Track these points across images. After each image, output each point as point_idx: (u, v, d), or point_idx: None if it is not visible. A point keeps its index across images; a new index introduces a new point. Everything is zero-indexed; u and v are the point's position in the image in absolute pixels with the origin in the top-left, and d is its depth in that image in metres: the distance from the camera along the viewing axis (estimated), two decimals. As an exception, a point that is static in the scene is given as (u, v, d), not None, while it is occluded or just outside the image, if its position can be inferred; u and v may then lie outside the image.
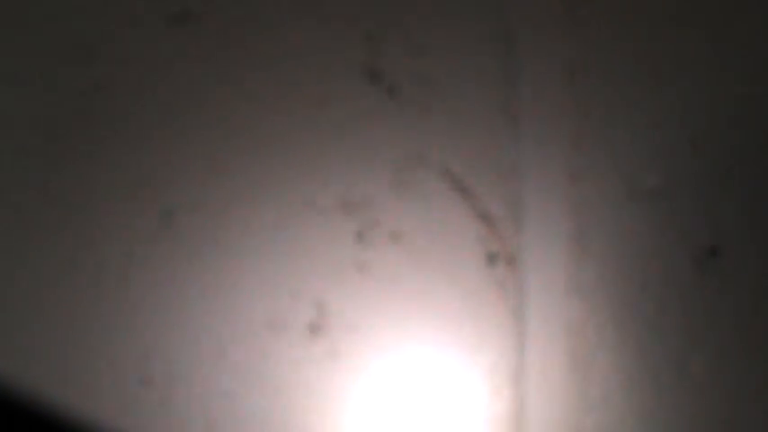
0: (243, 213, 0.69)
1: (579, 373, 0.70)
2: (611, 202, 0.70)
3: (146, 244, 0.68)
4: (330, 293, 0.69)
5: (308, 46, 0.71)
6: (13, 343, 0.67)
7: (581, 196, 0.70)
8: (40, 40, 0.69)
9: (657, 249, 0.70)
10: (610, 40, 0.70)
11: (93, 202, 0.68)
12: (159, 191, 0.69)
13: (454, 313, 0.70)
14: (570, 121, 0.70)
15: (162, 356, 0.68)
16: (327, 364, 0.69)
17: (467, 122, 0.70)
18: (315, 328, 0.69)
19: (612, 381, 0.70)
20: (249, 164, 0.70)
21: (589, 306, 0.70)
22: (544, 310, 0.70)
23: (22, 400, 0.66)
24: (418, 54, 0.71)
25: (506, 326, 0.70)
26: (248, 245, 0.69)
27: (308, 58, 0.71)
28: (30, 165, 0.68)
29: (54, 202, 0.68)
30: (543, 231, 0.70)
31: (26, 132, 0.68)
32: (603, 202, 0.70)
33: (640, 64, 0.70)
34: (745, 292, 0.69)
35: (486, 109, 0.70)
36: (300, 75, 0.70)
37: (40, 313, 0.67)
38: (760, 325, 0.69)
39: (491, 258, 0.70)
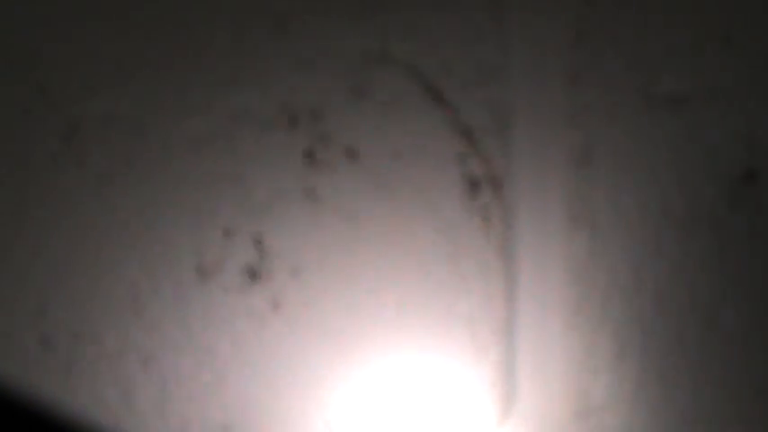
0: (162, 127, 0.61)
1: (584, 327, 0.64)
2: (621, 112, 0.64)
3: (43, 169, 0.61)
4: (271, 228, 0.62)
5: None
6: None
7: (583, 104, 0.63)
8: None
9: (680, 173, 0.64)
10: None
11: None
12: (59, 101, 0.62)
13: (427, 252, 0.63)
14: (570, 6, 0.63)
15: (64, 311, 0.61)
16: (268, 316, 0.62)
17: (440, 9, 0.63)
18: (253, 273, 0.62)
19: (626, 336, 0.64)
20: (168, 66, 0.62)
21: (596, 243, 0.63)
22: (538, 247, 0.63)
23: None
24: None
25: (491, 267, 0.63)
26: (170, 168, 0.62)
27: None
28: None
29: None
30: (536, 148, 0.63)
31: None
32: (611, 111, 0.64)
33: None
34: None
35: (466, -5, 0.65)
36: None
37: None
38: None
39: (472, 183, 0.63)
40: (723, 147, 0.64)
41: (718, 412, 0.64)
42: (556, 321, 0.63)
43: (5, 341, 0.61)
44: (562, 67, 0.63)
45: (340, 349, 0.62)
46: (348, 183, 0.62)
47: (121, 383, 0.61)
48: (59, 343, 0.61)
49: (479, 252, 0.63)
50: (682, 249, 0.64)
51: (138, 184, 0.61)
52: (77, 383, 0.61)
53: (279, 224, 0.62)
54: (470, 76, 0.62)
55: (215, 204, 0.61)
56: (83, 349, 0.61)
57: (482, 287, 0.63)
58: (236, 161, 0.61)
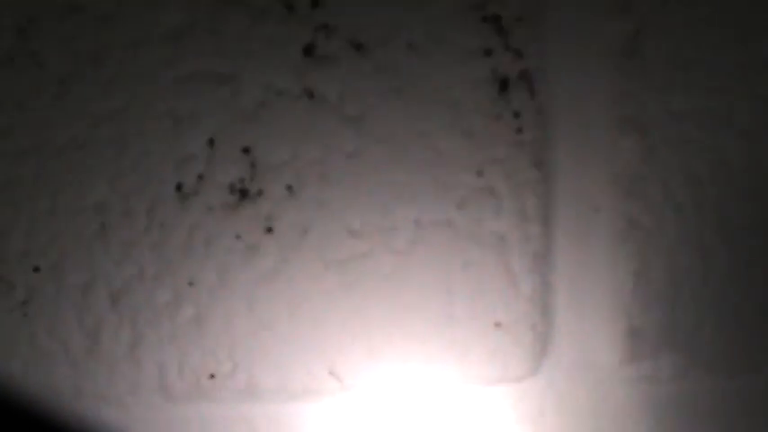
0: (133, 18, 0.55)
1: (633, 252, 0.57)
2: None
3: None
4: (263, 137, 0.55)
5: None
6: None
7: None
8: None
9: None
10: None
11: None
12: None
13: (447, 162, 0.56)
14: None
15: (20, 241, 0.55)
16: (260, 241, 0.55)
17: None
18: (242, 191, 0.56)
19: (683, 262, 0.57)
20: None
21: (646, 151, 0.57)
22: (579, 156, 0.57)
23: None
24: None
25: (525, 180, 0.57)
26: (142, 67, 0.55)
27: None
28: None
29: None
30: (575, 38, 0.57)
31: None
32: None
33: None
34: None
35: None
36: None
37: None
38: None
39: (500, 81, 0.57)
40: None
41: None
42: (600, 245, 0.57)
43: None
44: (606, -59, 0.57)
45: (345, 281, 0.55)
46: (354, 81, 0.55)
47: (86, 324, 0.54)
48: (16, 279, 0.54)
49: (510, 162, 0.56)
50: (749, 161, 0.57)
51: (105, 87, 0.54)
52: (35, 325, 0.54)
53: (272, 132, 0.55)
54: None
55: (197, 109, 0.54)
56: (41, 284, 0.54)
57: (513, 204, 0.56)
58: (221, 57, 0.55)
